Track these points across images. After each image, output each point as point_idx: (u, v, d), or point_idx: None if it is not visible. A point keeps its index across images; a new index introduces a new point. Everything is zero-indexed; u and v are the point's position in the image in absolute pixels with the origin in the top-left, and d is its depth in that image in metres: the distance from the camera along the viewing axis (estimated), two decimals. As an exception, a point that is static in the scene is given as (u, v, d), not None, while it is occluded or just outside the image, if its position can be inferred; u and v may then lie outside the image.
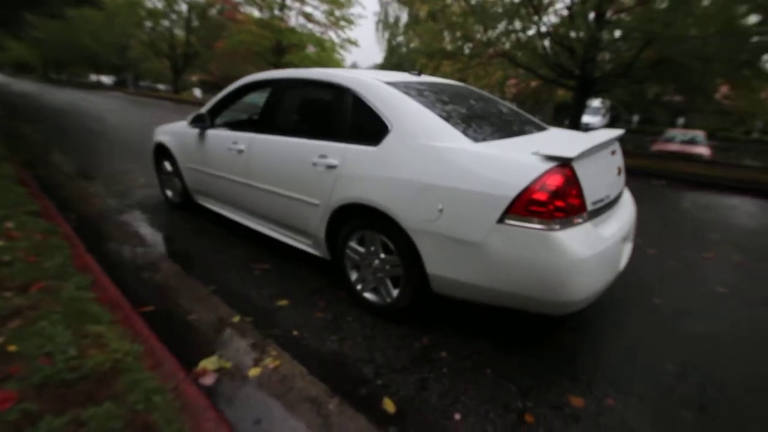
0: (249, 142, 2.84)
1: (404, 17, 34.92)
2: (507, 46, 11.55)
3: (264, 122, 2.82)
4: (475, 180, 1.80)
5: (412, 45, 36.32)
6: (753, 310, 2.69)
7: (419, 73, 2.80)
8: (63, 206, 3.81)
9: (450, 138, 1.97)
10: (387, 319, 2.31)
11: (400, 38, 37.50)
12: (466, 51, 12.14)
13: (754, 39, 8.65)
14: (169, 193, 4.10)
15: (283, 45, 19.67)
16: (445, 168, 1.89)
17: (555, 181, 1.67)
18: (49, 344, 1.70)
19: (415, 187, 1.95)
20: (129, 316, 2.04)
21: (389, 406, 1.72)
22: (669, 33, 8.79)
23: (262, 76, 3.00)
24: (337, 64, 21.70)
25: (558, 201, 1.66)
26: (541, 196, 1.67)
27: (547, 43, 10.80)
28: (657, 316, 2.51)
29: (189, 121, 3.48)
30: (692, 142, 12.72)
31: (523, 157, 1.77)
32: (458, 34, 11.74)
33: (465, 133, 2.01)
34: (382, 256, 2.22)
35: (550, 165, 1.69)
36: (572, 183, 1.71)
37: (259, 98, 3.31)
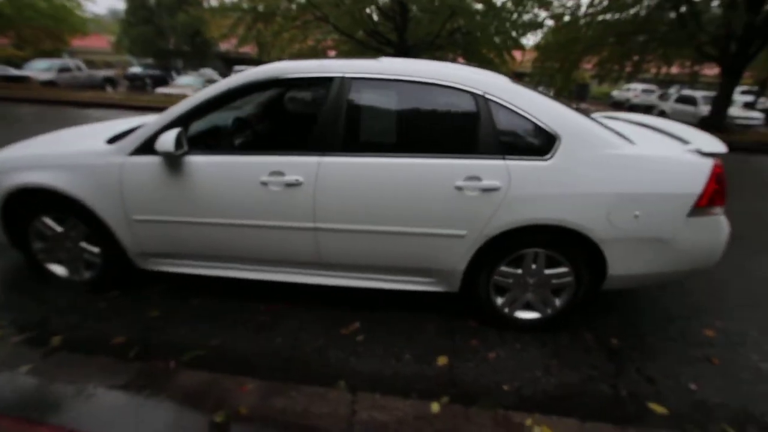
0: (314, 170, 1.98)
1: (146, -43, 28.24)
2: (325, 9, 11.21)
3: (335, 138, 2.00)
4: (665, 182, 1.92)
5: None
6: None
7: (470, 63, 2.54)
8: None
9: (618, 143, 1.98)
10: (543, 331, 2.27)
11: (144, -16, 30.23)
12: (284, 12, 11.14)
13: (513, 17, 11.37)
14: (58, 269, 2.42)
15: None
16: (635, 175, 1.92)
17: (720, 173, 1.98)
18: None
19: (611, 198, 1.91)
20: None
21: (658, 408, 1.80)
22: (460, 6, 10.54)
23: (305, 69, 2.06)
24: (74, 15, 15.85)
25: (723, 189, 2.00)
26: (717, 187, 1.96)
27: (368, 10, 11.07)
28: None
29: (140, 145, 2.06)
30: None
31: (687, 156, 2.00)
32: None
33: (619, 136, 2.05)
34: (547, 271, 2.12)
35: (712, 160, 1.98)
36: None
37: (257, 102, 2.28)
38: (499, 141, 1.95)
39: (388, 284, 2.23)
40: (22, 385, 1.77)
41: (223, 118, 2.43)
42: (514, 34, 11.71)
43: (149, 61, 30.54)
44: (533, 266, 2.11)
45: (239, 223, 2.09)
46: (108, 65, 28.66)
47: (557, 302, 2.20)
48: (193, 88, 16.45)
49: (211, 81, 18.71)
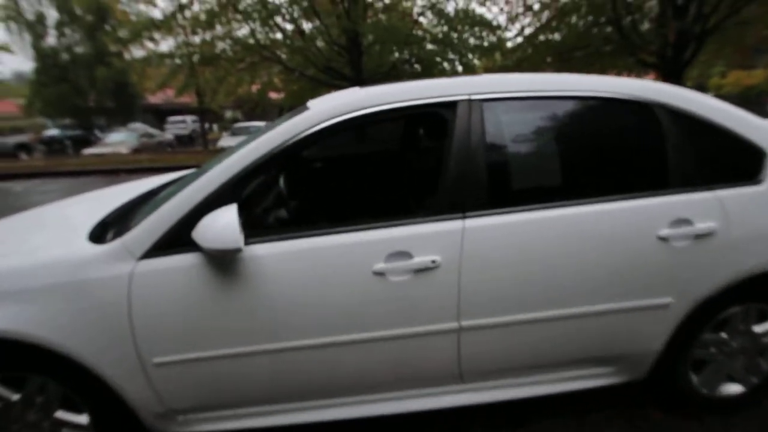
0: (456, 241, 1.30)
1: (52, 14, 26.24)
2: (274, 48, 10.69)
3: (478, 190, 1.34)
4: None
5: (79, 49, 28.03)
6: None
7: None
8: None
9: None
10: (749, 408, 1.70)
11: (52, 41, 27.93)
12: (229, 53, 10.47)
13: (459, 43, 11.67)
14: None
15: None
16: None
17: None
18: None
19: None
20: None
21: None
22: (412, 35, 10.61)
23: (410, 94, 1.40)
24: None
25: None
26: None
27: (320, 43, 10.75)
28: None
29: (160, 239, 1.25)
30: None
31: None
32: (217, 32, 9.88)
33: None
34: (756, 329, 1.58)
35: None
36: None
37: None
38: (697, 166, 1.42)
39: (550, 387, 1.55)
40: None
41: (275, 177, 1.67)
42: (465, 58, 11.93)
43: (66, 121, 27.81)
44: (741, 327, 1.57)
45: (339, 341, 1.32)
46: (17, 131, 25.62)
47: (765, 366, 1.66)
48: (126, 145, 14.90)
49: (147, 135, 17.18)
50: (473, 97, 1.40)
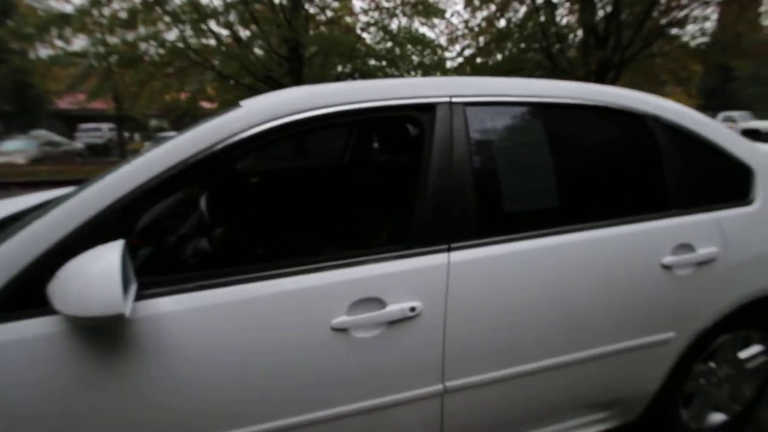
0: (439, 281, 1.01)
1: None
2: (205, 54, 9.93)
3: (464, 215, 1.06)
4: None
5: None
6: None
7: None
8: None
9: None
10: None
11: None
12: (154, 56, 9.52)
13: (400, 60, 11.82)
14: None
15: None
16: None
17: None
18: None
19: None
20: None
21: None
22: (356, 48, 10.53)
23: (374, 93, 1.10)
24: None
25: None
26: None
27: (259, 52, 10.20)
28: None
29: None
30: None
31: None
32: (140, 33, 8.92)
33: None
34: (741, 355, 1.49)
35: None
36: None
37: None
38: (694, 185, 1.30)
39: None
40: None
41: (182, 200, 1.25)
42: (407, 75, 12.07)
43: (-50, 126, 23.68)
44: (728, 354, 1.47)
45: (284, 426, 0.95)
46: None
47: (746, 392, 1.58)
48: (24, 154, 12.87)
49: (51, 143, 15.03)
50: (455, 99, 1.14)
